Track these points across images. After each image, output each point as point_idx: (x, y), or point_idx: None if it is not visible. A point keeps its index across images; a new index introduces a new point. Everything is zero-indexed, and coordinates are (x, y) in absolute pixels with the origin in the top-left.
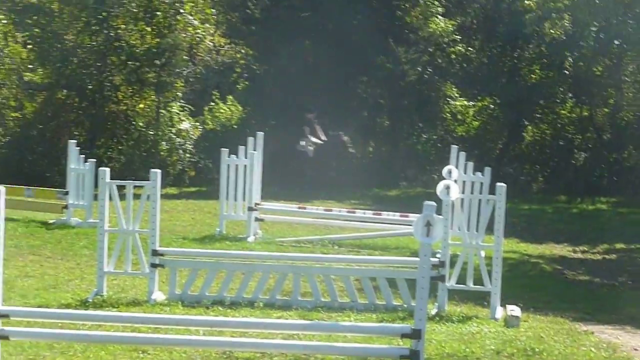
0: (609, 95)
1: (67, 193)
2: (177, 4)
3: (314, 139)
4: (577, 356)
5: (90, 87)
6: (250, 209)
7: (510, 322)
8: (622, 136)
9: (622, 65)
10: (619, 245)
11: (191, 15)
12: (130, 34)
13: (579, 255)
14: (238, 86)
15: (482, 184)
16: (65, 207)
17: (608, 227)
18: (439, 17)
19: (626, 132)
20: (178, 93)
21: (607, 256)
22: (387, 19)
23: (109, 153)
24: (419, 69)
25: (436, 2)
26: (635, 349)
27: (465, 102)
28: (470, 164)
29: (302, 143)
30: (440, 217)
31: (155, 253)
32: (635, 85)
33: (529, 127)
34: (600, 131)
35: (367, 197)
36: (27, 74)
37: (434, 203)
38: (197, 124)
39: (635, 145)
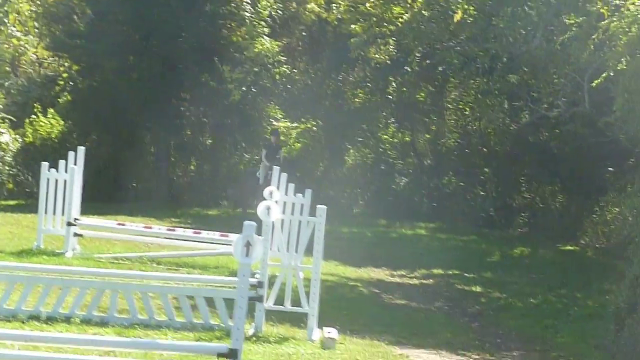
0: (431, 122)
1: None
2: (0, 15)
3: None
4: None
5: None
6: (69, 224)
7: (326, 344)
8: (443, 162)
9: (445, 92)
10: (436, 271)
11: (14, 26)
12: None
13: (397, 280)
14: (60, 99)
15: (302, 205)
16: None
17: (426, 252)
18: (265, 37)
19: (446, 158)
20: None
21: (424, 281)
22: (212, 37)
23: None
24: (244, 88)
25: (262, 22)
26: None
27: (289, 124)
28: (292, 185)
29: None
30: (260, 237)
31: None
32: (456, 113)
33: (351, 151)
34: (421, 157)
35: (187, 215)
36: None
37: (254, 223)
38: (17, 136)
39: (454, 171)
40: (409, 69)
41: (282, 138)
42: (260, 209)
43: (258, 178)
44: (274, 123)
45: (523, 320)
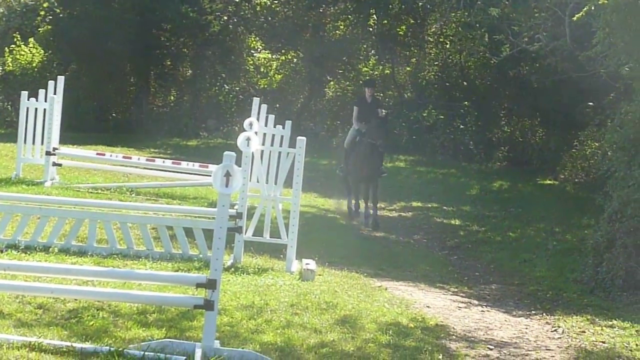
0: (412, 54)
1: None
2: None
3: None
4: (370, 311)
5: None
6: (48, 153)
7: (305, 275)
8: (423, 95)
9: (426, 26)
10: (415, 204)
11: None
12: None
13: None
14: (40, 29)
15: (282, 137)
16: None
17: (406, 185)
18: None
19: (427, 91)
20: None
21: (403, 214)
22: None
23: None
24: (225, 18)
25: None
26: (428, 306)
27: (269, 55)
28: (272, 117)
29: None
30: (240, 168)
31: None
32: (437, 46)
33: (332, 83)
34: (401, 89)
35: (167, 145)
36: None
37: (233, 153)
38: None
39: (434, 104)
40: (390, 1)
41: (261, 70)
42: (240, 139)
43: (346, 150)
44: (254, 54)
45: (501, 254)
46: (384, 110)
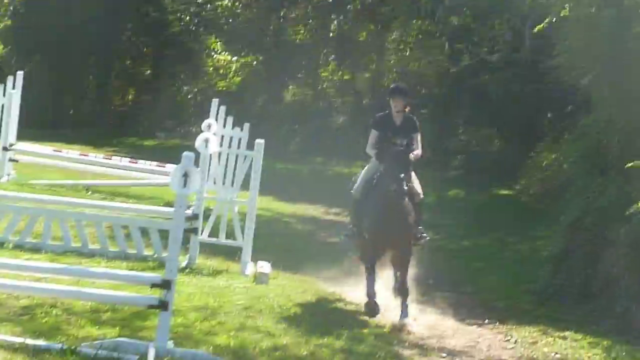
0: (371, 61)
1: None
2: None
3: None
4: (323, 315)
5: None
6: (5, 149)
7: (259, 278)
8: (382, 102)
9: (386, 32)
10: None
11: None
12: None
13: (332, 217)
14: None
15: (240, 139)
16: None
17: None
18: None
19: (385, 98)
20: None
21: None
22: None
23: None
24: (187, 19)
25: None
26: (381, 313)
27: (229, 57)
28: (230, 119)
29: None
30: (197, 169)
31: None
32: (397, 53)
33: (291, 87)
34: (360, 95)
35: (124, 144)
36: None
37: (192, 154)
38: None
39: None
40: (351, 7)
41: (221, 71)
42: (198, 141)
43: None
44: (214, 56)
45: (455, 262)
46: (404, 141)
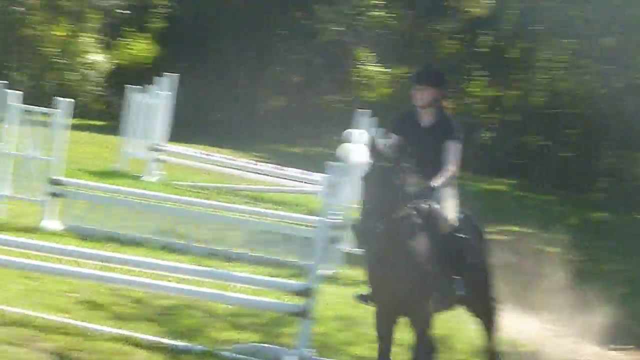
0: (521, 79)
1: None
2: None
3: None
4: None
5: None
6: (152, 149)
7: None
8: (529, 121)
9: (538, 51)
10: (513, 228)
11: None
12: None
13: None
14: (155, 25)
15: None
16: None
17: (504, 209)
18: None
19: (533, 116)
20: (93, 24)
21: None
22: None
23: (16, 75)
24: (337, 29)
25: None
26: (520, 332)
27: (377, 68)
28: (377, 130)
29: None
30: (346, 179)
31: (54, 182)
32: (547, 72)
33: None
34: (507, 112)
35: (268, 150)
36: None
37: (344, 164)
38: (110, 57)
39: (539, 130)
40: (505, 25)
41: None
42: (342, 150)
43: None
44: (362, 66)
45: (597, 286)
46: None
